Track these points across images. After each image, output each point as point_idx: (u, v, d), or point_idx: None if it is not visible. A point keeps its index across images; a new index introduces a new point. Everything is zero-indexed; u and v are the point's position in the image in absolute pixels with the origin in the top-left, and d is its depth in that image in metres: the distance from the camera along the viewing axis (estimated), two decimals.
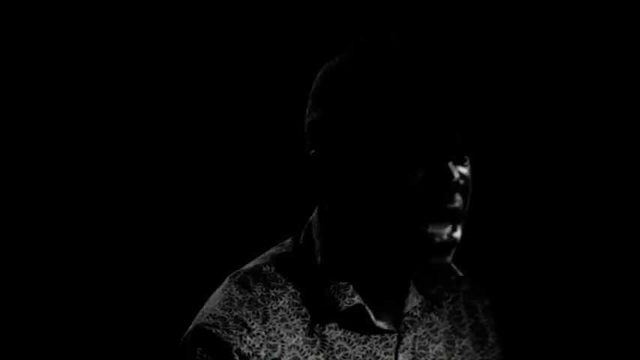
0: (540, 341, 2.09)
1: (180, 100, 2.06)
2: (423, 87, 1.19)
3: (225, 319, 1.20)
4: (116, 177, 2.06)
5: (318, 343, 1.22)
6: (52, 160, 2.03)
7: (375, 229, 1.21)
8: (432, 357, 1.30)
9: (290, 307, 1.23)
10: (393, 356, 1.26)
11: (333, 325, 1.23)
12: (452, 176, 1.19)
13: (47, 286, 2.04)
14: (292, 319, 1.23)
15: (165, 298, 2.05)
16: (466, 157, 1.23)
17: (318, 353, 1.22)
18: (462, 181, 1.20)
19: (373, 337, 1.25)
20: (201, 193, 2.08)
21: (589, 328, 2.06)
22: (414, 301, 1.29)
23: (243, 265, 1.29)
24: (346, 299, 1.22)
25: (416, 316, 1.28)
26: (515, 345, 1.99)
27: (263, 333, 1.20)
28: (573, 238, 2.06)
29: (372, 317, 1.23)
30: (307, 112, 1.26)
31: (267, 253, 1.30)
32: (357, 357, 1.23)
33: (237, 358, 1.18)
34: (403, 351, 1.27)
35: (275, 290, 1.24)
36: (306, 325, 1.22)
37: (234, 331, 1.19)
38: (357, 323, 1.24)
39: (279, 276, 1.25)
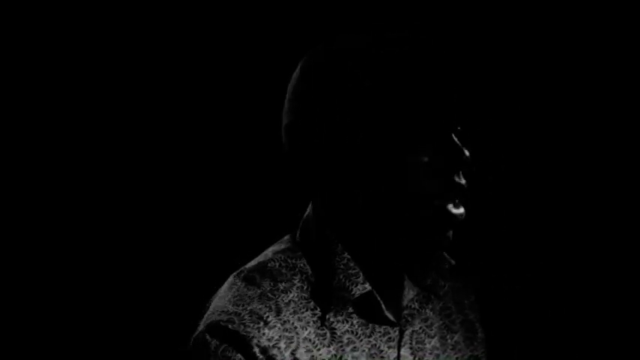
0: (538, 341, 2.09)
1: (178, 100, 2.06)
2: (422, 85, 1.20)
3: (240, 313, 1.18)
4: (114, 176, 2.06)
5: (328, 335, 1.22)
6: (50, 160, 2.03)
7: (385, 220, 1.21)
8: (428, 352, 1.30)
9: (299, 300, 1.22)
10: (395, 350, 1.26)
11: (341, 317, 1.23)
12: (463, 153, 1.20)
13: (45, 286, 2.04)
14: (302, 312, 1.22)
15: (161, 298, 2.04)
16: (458, 127, 1.24)
17: (329, 345, 1.22)
18: (469, 159, 1.22)
19: (377, 330, 1.25)
20: (196, 193, 2.07)
21: (589, 328, 2.06)
22: (410, 293, 1.29)
23: (238, 262, 1.29)
24: (359, 286, 1.22)
25: (415, 308, 1.28)
26: (506, 342, 2.01)
27: (279, 325, 1.19)
28: (573, 238, 2.06)
29: (382, 305, 1.24)
30: (287, 112, 1.26)
31: (267, 250, 1.30)
32: (364, 350, 1.23)
33: (257, 350, 1.16)
34: (403, 345, 1.27)
35: (283, 284, 1.23)
36: (315, 318, 1.22)
37: (252, 325, 1.17)
38: (366, 311, 1.24)
39: (283, 271, 1.24)
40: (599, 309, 2.05)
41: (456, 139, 1.21)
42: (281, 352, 1.18)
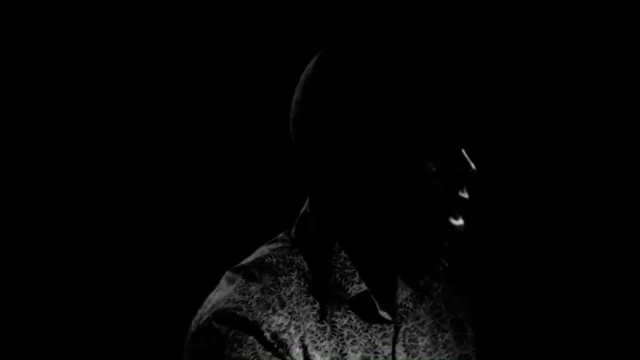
0: (538, 341, 2.09)
1: (173, 97, 2.06)
2: (421, 85, 1.20)
3: (248, 301, 1.19)
4: (109, 174, 2.06)
5: (328, 329, 1.23)
6: (45, 159, 2.03)
7: (376, 222, 1.22)
8: (422, 349, 1.31)
9: (300, 294, 1.23)
10: (390, 346, 1.27)
11: (339, 313, 1.24)
12: (469, 165, 1.20)
13: (41, 282, 2.04)
14: (303, 306, 1.23)
15: (154, 295, 2.04)
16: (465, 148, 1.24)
17: (330, 339, 1.22)
18: (469, 170, 1.22)
19: (373, 326, 1.26)
20: (188, 190, 2.07)
21: (588, 328, 2.06)
22: (404, 293, 1.30)
23: (228, 260, 1.30)
24: (354, 286, 1.23)
25: (409, 307, 1.29)
26: (506, 342, 2.01)
27: (286, 314, 1.20)
28: (573, 238, 2.06)
29: (377, 305, 1.24)
30: (297, 105, 1.26)
31: (263, 247, 1.30)
32: (361, 344, 1.24)
33: (267, 335, 1.17)
34: (397, 342, 1.28)
35: (283, 278, 1.23)
36: (315, 312, 1.22)
37: (260, 312, 1.18)
38: (362, 311, 1.25)
39: (281, 266, 1.25)
40: (599, 309, 2.05)
41: (464, 153, 1.22)
42: (291, 337, 1.18)
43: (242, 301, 1.18)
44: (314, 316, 1.22)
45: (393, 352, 1.27)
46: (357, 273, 1.23)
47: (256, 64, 2.01)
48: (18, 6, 1.97)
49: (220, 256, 1.41)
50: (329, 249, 1.25)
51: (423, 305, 1.33)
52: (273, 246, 1.29)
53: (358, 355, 1.24)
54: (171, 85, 2.05)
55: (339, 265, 1.24)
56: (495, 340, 1.98)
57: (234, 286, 1.22)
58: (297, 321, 1.20)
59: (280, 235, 1.31)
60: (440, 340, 1.35)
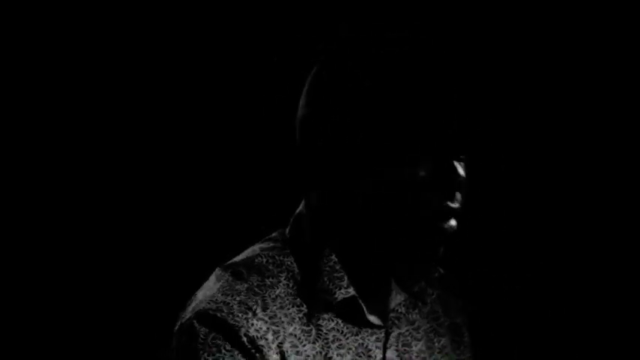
0: (538, 342, 2.09)
1: (167, 95, 2.05)
2: (421, 86, 1.20)
3: (229, 303, 1.19)
4: (100, 172, 2.05)
5: (313, 332, 1.22)
6: (37, 158, 2.03)
7: (370, 227, 1.22)
8: (415, 354, 1.31)
9: (286, 296, 1.23)
10: (381, 351, 1.27)
11: (326, 316, 1.23)
12: (458, 175, 1.20)
13: (30, 280, 2.03)
14: (288, 308, 1.22)
15: (146, 292, 2.04)
16: (462, 155, 1.23)
17: (314, 342, 1.22)
18: (462, 180, 1.22)
19: (364, 329, 1.25)
20: (183, 188, 2.07)
21: (588, 328, 2.06)
22: (397, 298, 1.29)
23: (221, 258, 1.30)
24: (342, 290, 1.23)
25: (401, 312, 1.29)
26: (505, 343, 2.01)
27: (266, 318, 1.19)
28: (573, 238, 2.06)
29: (365, 310, 1.24)
30: (301, 107, 1.27)
31: (255, 246, 1.30)
32: (350, 348, 1.24)
33: (245, 340, 1.17)
34: (389, 347, 1.27)
35: (270, 279, 1.23)
36: (301, 315, 1.22)
37: (240, 315, 1.18)
38: (349, 315, 1.24)
39: (270, 267, 1.25)
40: (599, 309, 2.05)
41: (457, 164, 1.22)
42: (268, 344, 1.18)
43: (223, 303, 1.19)
44: (300, 319, 1.22)
45: (384, 357, 1.26)
46: (345, 277, 1.23)
47: (253, 64, 2.01)
48: (18, 6, 1.97)
49: (215, 251, 1.41)
50: (320, 251, 1.25)
51: (417, 310, 1.32)
52: (265, 245, 1.29)
53: (347, 358, 1.23)
54: (165, 83, 2.05)
55: (328, 269, 1.24)
56: (494, 344, 1.98)
57: (219, 284, 1.22)
58: (276, 326, 1.20)
59: (274, 234, 1.31)
60: (436, 344, 1.35)
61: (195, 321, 1.18)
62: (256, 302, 1.20)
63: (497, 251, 2.07)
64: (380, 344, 1.26)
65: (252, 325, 1.18)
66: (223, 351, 1.16)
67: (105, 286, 2.05)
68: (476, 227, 2.07)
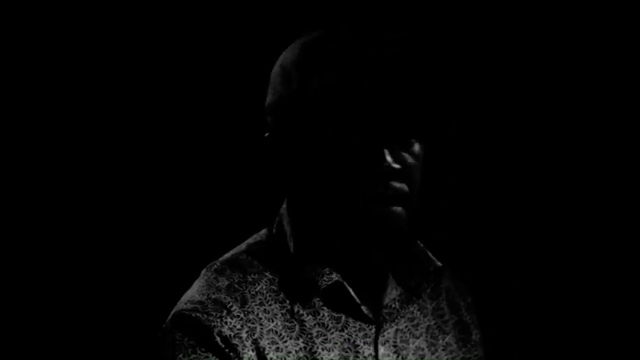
0: (538, 342, 2.08)
1: (155, 98, 2.05)
2: (371, 76, 1.18)
3: (204, 302, 1.19)
4: (91, 172, 2.04)
5: (297, 328, 1.22)
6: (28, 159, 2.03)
7: (324, 216, 1.22)
8: (412, 351, 1.29)
9: (268, 292, 1.23)
10: (372, 347, 1.25)
11: (311, 310, 1.23)
12: (384, 160, 1.18)
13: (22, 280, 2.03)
14: (270, 304, 1.22)
15: (139, 293, 2.04)
16: (413, 140, 1.21)
17: (297, 338, 1.22)
18: (396, 165, 1.19)
19: (352, 325, 1.24)
20: (176, 188, 2.06)
21: (588, 328, 2.06)
22: (392, 293, 1.29)
23: (217, 255, 1.30)
24: (325, 277, 1.22)
25: (395, 308, 1.28)
26: (505, 342, 2.01)
27: (242, 315, 1.19)
28: (573, 238, 2.06)
29: (353, 294, 1.23)
30: (269, 93, 1.27)
31: (243, 243, 1.31)
32: (336, 343, 1.23)
33: (218, 339, 1.17)
34: (384, 343, 1.26)
35: (252, 276, 1.24)
36: (284, 311, 1.22)
37: (214, 313, 1.18)
38: (337, 303, 1.24)
39: (255, 263, 1.25)
40: (599, 309, 2.05)
41: (387, 148, 1.18)
42: (242, 342, 1.18)
43: (199, 302, 1.19)
44: (282, 315, 1.22)
45: (376, 352, 1.26)
46: (328, 268, 1.22)
47: (249, 64, 2.01)
48: (18, 6, 1.98)
49: (210, 249, 1.41)
50: (301, 244, 1.25)
51: (416, 307, 1.32)
52: (252, 241, 1.30)
53: (333, 354, 1.22)
54: (154, 86, 2.04)
55: (309, 259, 1.24)
56: (495, 342, 1.98)
57: (200, 283, 1.24)
58: (252, 323, 1.20)
59: (262, 230, 1.32)
60: (440, 342, 1.34)
61: (171, 324, 1.19)
62: (235, 299, 1.20)
63: (497, 251, 2.07)
64: (369, 340, 1.25)
65: (226, 323, 1.18)
66: (198, 351, 1.16)
67: (96, 287, 2.04)
68: (476, 227, 2.08)
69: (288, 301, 1.23)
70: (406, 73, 1.21)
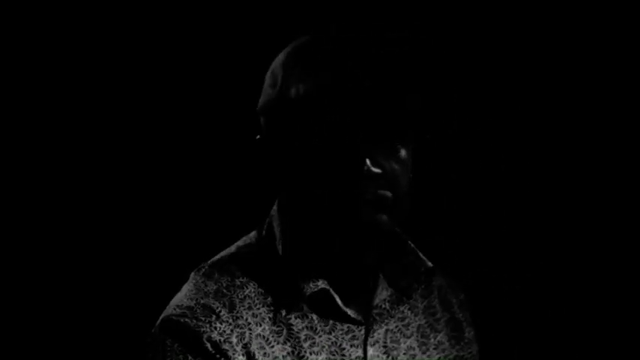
0: (538, 341, 2.08)
1: (145, 96, 2.05)
2: (358, 78, 1.18)
3: (193, 307, 1.19)
4: (82, 174, 2.04)
5: (284, 332, 1.22)
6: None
7: (312, 219, 1.21)
8: (403, 351, 1.29)
9: (256, 296, 1.23)
10: (360, 349, 1.25)
11: (298, 314, 1.23)
12: (362, 165, 1.17)
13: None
14: (258, 308, 1.22)
15: (128, 296, 2.03)
16: (399, 146, 1.20)
17: (284, 342, 1.21)
18: (376, 170, 1.18)
19: (339, 327, 1.24)
20: (168, 189, 2.06)
21: (588, 329, 2.05)
22: (383, 293, 1.28)
23: (206, 258, 1.30)
24: (311, 284, 1.22)
25: (385, 308, 1.28)
26: (505, 342, 2.00)
27: (231, 320, 1.19)
28: (573, 238, 2.06)
29: (339, 301, 1.23)
30: (262, 95, 1.27)
31: (233, 245, 1.30)
32: (324, 346, 1.23)
33: (208, 345, 1.17)
34: (374, 344, 1.26)
35: (240, 279, 1.23)
36: (272, 315, 1.22)
37: (203, 318, 1.18)
38: (323, 309, 1.23)
39: (244, 266, 1.25)
40: (599, 309, 2.05)
41: (369, 156, 1.18)
42: (232, 347, 1.18)
43: (188, 307, 1.19)
44: (270, 319, 1.21)
45: (365, 354, 1.25)
46: (315, 272, 1.22)
47: (239, 66, 2.01)
48: (18, 6, 1.98)
49: (200, 251, 1.41)
50: (289, 249, 1.25)
51: (407, 307, 1.31)
52: (241, 244, 1.29)
53: (321, 357, 1.22)
54: (143, 87, 2.05)
55: (297, 264, 1.23)
56: (496, 342, 1.98)
57: (188, 288, 1.23)
58: (241, 328, 1.19)
59: (252, 233, 1.31)
60: (432, 340, 1.34)
61: (160, 330, 1.19)
62: (223, 304, 1.20)
63: (497, 251, 2.07)
64: (357, 342, 1.25)
65: (216, 328, 1.18)
66: (189, 357, 1.16)
67: (84, 289, 2.03)
68: (475, 227, 2.08)
69: (275, 305, 1.22)
70: (399, 73, 1.20)
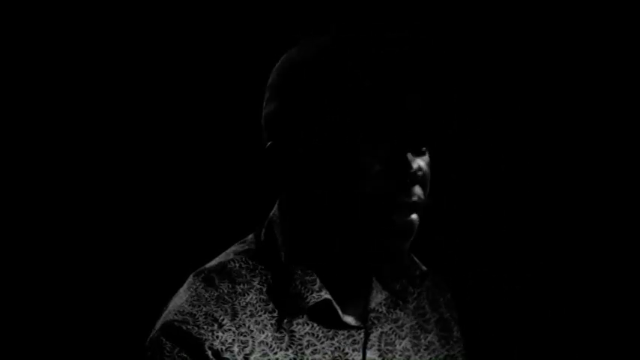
0: (538, 341, 2.08)
1: (145, 99, 2.05)
2: (382, 81, 1.18)
3: (195, 314, 1.18)
4: (78, 174, 2.04)
5: (286, 338, 1.21)
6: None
7: (334, 223, 1.20)
8: (399, 353, 1.29)
9: (257, 302, 1.22)
10: (360, 353, 1.25)
11: (300, 320, 1.22)
12: (410, 167, 1.18)
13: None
14: (260, 315, 1.21)
15: (122, 298, 2.03)
16: (424, 149, 1.21)
17: (287, 349, 1.20)
18: (420, 173, 1.19)
19: (340, 333, 1.24)
20: (160, 191, 2.06)
21: (588, 328, 2.06)
22: (378, 297, 1.28)
23: (199, 262, 1.29)
24: (314, 294, 1.21)
25: (381, 312, 1.27)
26: (505, 343, 2.01)
27: (234, 328, 1.18)
28: (573, 239, 2.06)
29: (340, 312, 1.22)
30: (265, 104, 1.26)
31: (229, 250, 1.29)
32: (326, 353, 1.22)
33: (209, 353, 1.16)
34: (370, 347, 1.26)
35: (241, 286, 1.22)
36: (274, 321, 1.21)
37: (205, 327, 1.17)
38: (324, 318, 1.23)
39: (243, 272, 1.23)
40: (599, 309, 2.05)
41: (409, 155, 1.19)
42: (234, 356, 1.17)
43: (189, 314, 1.18)
44: (272, 325, 1.21)
45: (364, 357, 1.25)
46: (317, 280, 1.21)
47: (244, 65, 2.01)
48: (18, 6, 1.98)
49: (192, 254, 1.41)
50: (291, 255, 1.23)
51: (400, 308, 1.31)
52: (239, 248, 1.28)
53: None
54: (138, 88, 2.05)
55: (299, 272, 1.22)
56: (487, 340, 1.99)
57: (188, 294, 1.21)
58: (244, 336, 1.18)
59: (249, 236, 1.30)
60: (423, 341, 1.34)
61: (161, 335, 1.17)
62: (225, 311, 1.19)
63: (497, 251, 2.07)
64: (357, 346, 1.24)
65: (218, 337, 1.17)
66: None
67: (76, 291, 2.03)
68: (476, 227, 2.08)
69: (277, 312, 1.22)
70: (420, 76, 1.20)
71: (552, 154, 2.06)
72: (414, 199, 1.19)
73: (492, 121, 2.07)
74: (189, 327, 1.16)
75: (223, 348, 1.17)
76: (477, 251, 2.08)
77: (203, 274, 1.24)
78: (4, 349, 2.01)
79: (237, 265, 1.24)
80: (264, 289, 1.23)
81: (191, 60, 2.04)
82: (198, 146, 2.05)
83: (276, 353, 1.20)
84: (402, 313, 1.32)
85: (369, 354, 1.26)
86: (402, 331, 1.31)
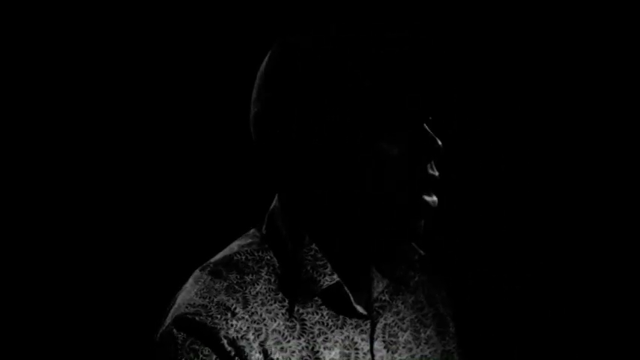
0: (538, 341, 2.08)
1: (144, 98, 2.05)
2: (382, 81, 1.19)
3: (207, 306, 1.17)
4: (78, 173, 2.05)
5: (298, 327, 1.21)
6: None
7: (340, 219, 1.21)
8: (402, 345, 1.29)
9: (267, 292, 1.21)
10: (367, 342, 1.25)
11: (310, 309, 1.22)
12: (435, 142, 1.19)
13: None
14: (271, 304, 1.21)
15: (125, 295, 2.03)
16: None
17: (299, 337, 1.20)
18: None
19: (348, 322, 1.24)
20: (159, 189, 2.06)
21: (589, 328, 2.06)
22: (379, 286, 1.28)
23: (201, 257, 1.29)
24: (326, 277, 1.21)
25: (385, 300, 1.28)
26: (505, 342, 2.00)
27: (247, 316, 1.18)
28: (573, 239, 2.06)
29: (352, 298, 1.23)
30: (256, 103, 1.25)
31: (232, 244, 1.29)
32: (337, 341, 1.22)
33: (225, 342, 1.15)
34: (376, 338, 1.26)
35: (250, 277, 1.22)
36: (284, 310, 1.21)
37: (219, 316, 1.16)
38: (335, 304, 1.23)
39: (250, 264, 1.23)
40: (599, 309, 2.05)
41: (427, 128, 1.20)
42: (249, 344, 1.17)
43: (201, 306, 1.17)
44: (282, 314, 1.20)
45: (372, 348, 1.25)
46: (328, 265, 1.22)
47: (242, 64, 2.01)
48: (18, 6, 1.98)
49: (193, 251, 1.41)
50: (299, 243, 1.23)
51: (401, 297, 1.31)
52: (242, 242, 1.28)
53: (335, 352, 1.22)
54: (138, 87, 2.05)
55: (309, 258, 1.22)
56: (482, 336, 1.99)
57: (197, 287, 1.21)
58: (258, 324, 1.18)
59: (251, 230, 1.30)
60: (422, 335, 1.34)
61: (173, 327, 1.16)
62: (236, 300, 1.18)
63: (497, 251, 2.07)
64: (365, 336, 1.25)
65: (232, 325, 1.16)
66: (201, 356, 1.14)
67: (81, 288, 2.04)
68: (475, 227, 2.08)
69: (287, 300, 1.21)
70: (420, 76, 1.21)
71: (552, 154, 2.06)
72: (437, 172, 1.21)
73: (492, 121, 2.07)
74: (202, 318, 1.16)
75: (238, 336, 1.16)
76: (477, 251, 2.08)
77: (209, 268, 1.24)
78: (6, 348, 2.01)
79: (244, 257, 1.25)
80: (273, 279, 1.23)
81: (190, 57, 2.04)
82: (198, 146, 2.06)
83: (289, 341, 1.20)
84: (403, 306, 1.32)
85: (375, 345, 1.26)
86: (404, 323, 1.32)
